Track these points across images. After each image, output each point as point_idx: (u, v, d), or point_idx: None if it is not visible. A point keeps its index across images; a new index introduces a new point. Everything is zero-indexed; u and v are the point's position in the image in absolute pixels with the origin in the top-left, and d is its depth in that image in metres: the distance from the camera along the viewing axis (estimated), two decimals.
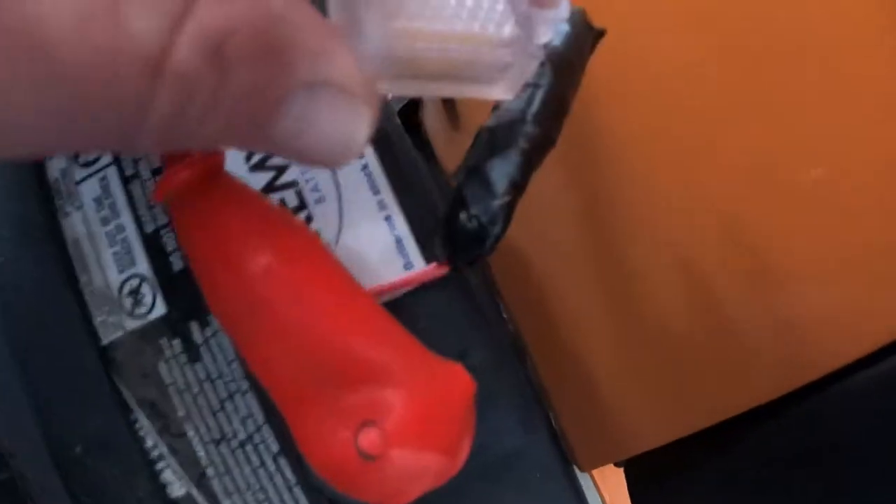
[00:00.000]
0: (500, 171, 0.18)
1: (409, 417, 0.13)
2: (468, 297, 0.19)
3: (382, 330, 0.14)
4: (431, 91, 0.14)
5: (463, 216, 0.16)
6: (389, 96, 0.22)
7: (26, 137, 0.10)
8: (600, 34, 0.19)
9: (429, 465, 0.14)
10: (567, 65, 0.18)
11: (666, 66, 0.22)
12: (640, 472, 0.30)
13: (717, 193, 0.21)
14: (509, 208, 0.17)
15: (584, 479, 0.34)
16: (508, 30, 0.13)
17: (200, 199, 0.14)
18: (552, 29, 0.14)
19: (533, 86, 0.17)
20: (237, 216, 0.14)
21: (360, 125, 0.12)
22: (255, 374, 0.15)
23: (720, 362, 0.22)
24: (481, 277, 0.24)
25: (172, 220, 0.19)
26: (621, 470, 0.32)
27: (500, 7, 0.13)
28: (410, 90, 0.14)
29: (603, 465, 0.28)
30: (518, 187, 0.18)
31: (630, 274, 0.23)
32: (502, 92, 0.14)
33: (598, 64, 0.19)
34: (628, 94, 0.22)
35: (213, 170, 0.15)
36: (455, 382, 0.14)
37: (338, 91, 0.11)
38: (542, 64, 0.17)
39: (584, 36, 0.19)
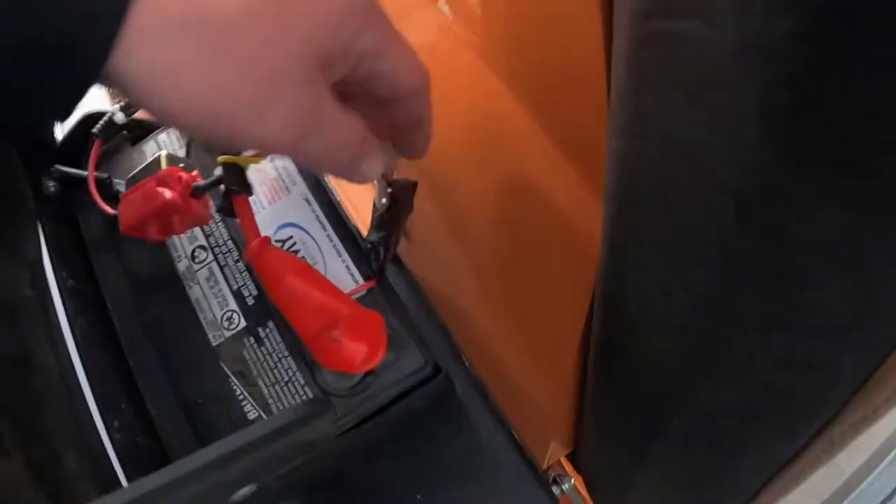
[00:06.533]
0: (377, 234, 0.39)
1: (352, 326, 0.33)
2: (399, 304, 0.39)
3: (344, 299, 0.35)
4: None
5: (366, 246, 0.38)
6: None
7: None
8: (415, 184, 0.41)
9: (361, 351, 0.34)
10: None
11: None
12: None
13: None
14: (382, 246, 0.38)
15: None
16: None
17: (266, 256, 0.35)
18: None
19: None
20: (280, 262, 0.35)
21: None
22: (292, 326, 0.35)
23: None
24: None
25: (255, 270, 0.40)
26: None
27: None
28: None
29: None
30: (383, 239, 0.39)
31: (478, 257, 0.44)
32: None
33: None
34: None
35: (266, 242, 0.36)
36: (374, 317, 0.35)
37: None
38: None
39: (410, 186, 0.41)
